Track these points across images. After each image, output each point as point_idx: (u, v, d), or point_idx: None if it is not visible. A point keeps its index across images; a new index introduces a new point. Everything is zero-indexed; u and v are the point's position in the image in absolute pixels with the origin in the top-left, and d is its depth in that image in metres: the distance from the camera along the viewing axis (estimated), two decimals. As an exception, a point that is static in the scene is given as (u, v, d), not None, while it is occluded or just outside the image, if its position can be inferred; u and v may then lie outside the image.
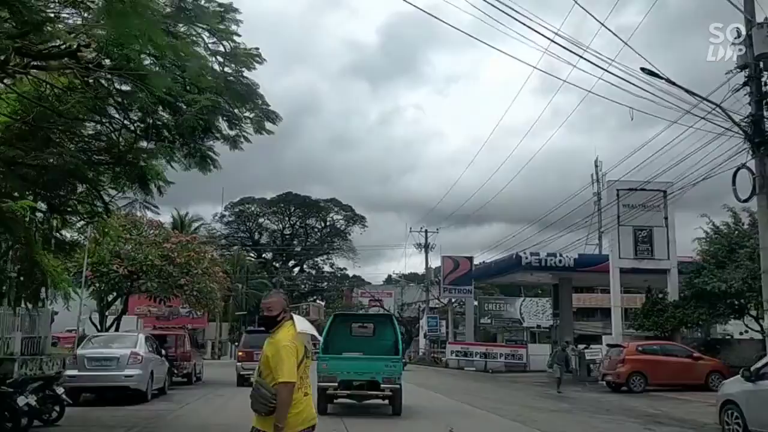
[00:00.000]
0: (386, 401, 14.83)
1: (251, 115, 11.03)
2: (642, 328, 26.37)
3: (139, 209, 11.40)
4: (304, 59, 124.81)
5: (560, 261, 31.57)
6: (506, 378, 35.16)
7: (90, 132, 12.01)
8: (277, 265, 78.70)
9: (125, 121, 10.97)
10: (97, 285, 23.06)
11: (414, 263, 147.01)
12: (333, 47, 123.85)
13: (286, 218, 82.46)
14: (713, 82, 17.17)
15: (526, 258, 31.41)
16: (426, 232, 47.12)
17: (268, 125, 11.36)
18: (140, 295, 29.01)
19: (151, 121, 10.83)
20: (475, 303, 45.77)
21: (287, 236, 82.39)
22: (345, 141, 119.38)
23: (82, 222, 14.53)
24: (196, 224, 54.87)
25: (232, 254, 66.05)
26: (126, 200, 15.38)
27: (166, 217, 55.98)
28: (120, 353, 16.38)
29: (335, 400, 15.09)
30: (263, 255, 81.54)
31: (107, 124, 11.49)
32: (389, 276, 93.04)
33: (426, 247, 46.84)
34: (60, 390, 12.22)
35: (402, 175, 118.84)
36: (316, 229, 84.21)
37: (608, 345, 25.14)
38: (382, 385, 14.22)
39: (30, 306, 22.12)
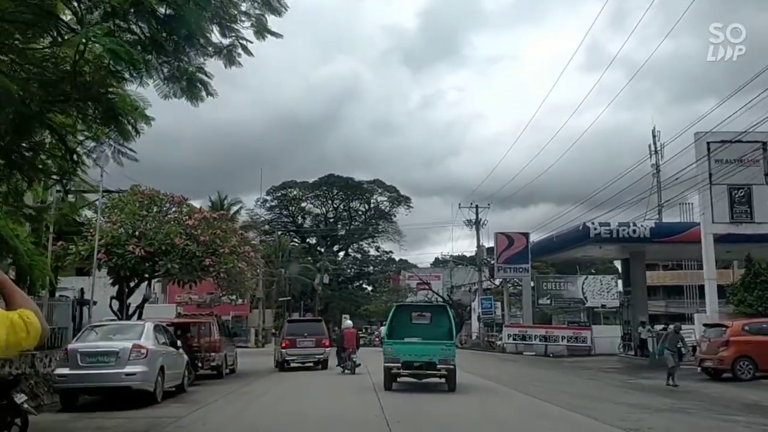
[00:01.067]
0: (442, 380, 16.64)
1: (246, 7, 7.62)
2: (742, 304, 22.37)
3: (112, 157, 8.82)
4: (345, 46, 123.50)
5: (634, 231, 27.64)
6: (572, 363, 31.44)
7: (45, 51, 8.80)
8: (322, 249, 75.86)
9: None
10: (112, 266, 20.12)
11: (462, 246, 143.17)
12: (373, 33, 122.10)
13: (329, 201, 79.53)
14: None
15: (595, 229, 27.57)
16: (477, 207, 43.46)
17: (274, 22, 7.97)
18: (180, 282, 26.16)
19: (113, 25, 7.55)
20: (532, 283, 41.92)
21: (331, 220, 79.43)
22: (387, 126, 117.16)
23: (51, 181, 11.39)
24: (235, 207, 52.26)
25: (275, 239, 63.48)
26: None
27: (202, 202, 53.68)
28: (120, 347, 13.28)
29: (398, 379, 16.97)
30: (307, 240, 78.94)
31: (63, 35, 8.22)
32: (436, 258, 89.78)
33: (477, 224, 43.18)
34: (20, 398, 9.18)
35: (444, 158, 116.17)
36: (360, 212, 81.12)
37: (705, 325, 21.17)
38: (438, 365, 16.14)
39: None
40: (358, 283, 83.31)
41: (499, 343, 41.69)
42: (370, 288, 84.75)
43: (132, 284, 23.14)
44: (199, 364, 18.52)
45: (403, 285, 66.06)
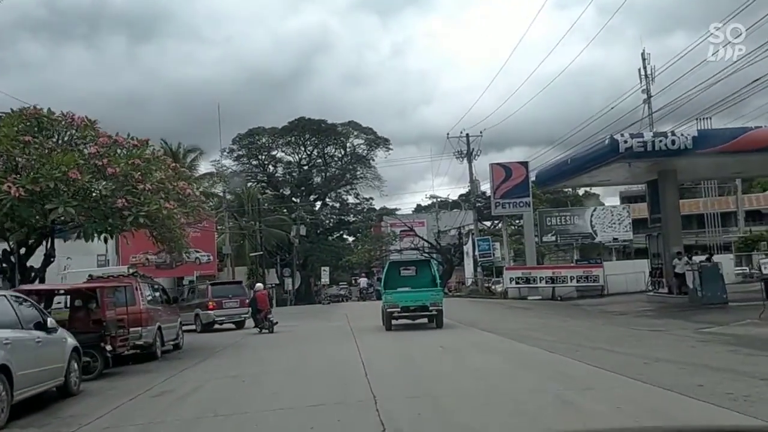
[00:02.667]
0: (432, 321, 20.15)
1: None
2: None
3: None
4: None
5: (673, 142, 21.83)
6: (594, 308, 26.11)
7: None
8: (297, 200, 69.56)
9: None
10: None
11: (446, 190, 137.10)
12: None
13: (302, 148, 72.84)
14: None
15: (625, 142, 21.75)
16: (468, 136, 37.47)
17: None
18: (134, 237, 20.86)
19: None
20: (535, 218, 36.40)
21: (305, 167, 72.98)
22: (359, 77, 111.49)
23: None
24: (193, 155, 45.75)
25: (243, 191, 57.14)
26: None
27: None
28: None
29: (396, 321, 20.29)
30: (281, 190, 72.56)
31: None
32: (418, 205, 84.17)
33: (469, 155, 37.24)
34: None
35: (418, 107, 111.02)
36: (335, 158, 74.59)
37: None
38: (429, 307, 19.88)
39: None
40: (338, 234, 77.49)
41: (499, 288, 36.37)
42: (351, 239, 79.04)
43: (31, 241, 16.99)
44: (108, 347, 12.57)
45: (387, 232, 60.24)
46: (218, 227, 43.65)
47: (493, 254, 35.91)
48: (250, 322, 24.14)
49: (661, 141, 21.96)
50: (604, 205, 42.86)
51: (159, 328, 15.89)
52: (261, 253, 46.28)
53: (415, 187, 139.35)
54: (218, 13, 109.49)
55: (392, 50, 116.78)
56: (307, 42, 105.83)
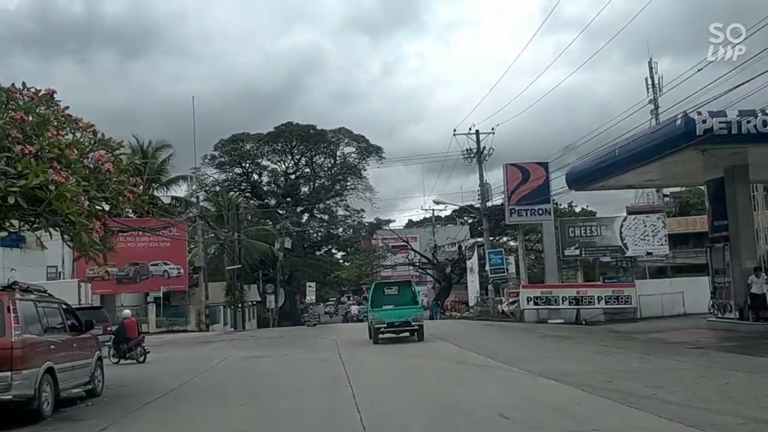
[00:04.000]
0: (414, 334, 21.89)
1: None
2: None
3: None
4: (304, 16, 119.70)
5: (765, 123, 16.61)
6: (639, 335, 20.71)
7: None
8: (281, 212, 63.72)
9: None
10: None
11: (446, 197, 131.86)
12: (332, 2, 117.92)
13: (289, 156, 67.25)
14: None
15: (704, 122, 16.44)
16: (477, 134, 32.07)
17: None
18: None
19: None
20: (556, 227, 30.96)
21: (291, 177, 67.35)
22: (349, 96, 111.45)
23: None
24: (164, 155, 40.01)
25: (222, 198, 51.33)
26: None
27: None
28: None
29: (382, 336, 21.56)
30: (265, 200, 66.76)
31: None
32: (410, 221, 78.93)
33: (479, 155, 31.76)
34: None
35: (406, 126, 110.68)
36: (324, 168, 69.07)
37: None
38: (412, 323, 21.78)
39: None
40: (326, 248, 71.72)
41: (512, 309, 30.84)
42: (340, 254, 73.26)
43: None
44: None
45: (379, 246, 54.74)
46: (192, 237, 37.95)
47: (507, 269, 30.36)
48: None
49: (749, 122, 16.64)
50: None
51: (50, 370, 10.19)
52: (239, 266, 40.47)
53: (404, 204, 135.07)
54: (209, 30, 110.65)
55: (382, 70, 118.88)
56: (298, 60, 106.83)
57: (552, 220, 30.13)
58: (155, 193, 39.07)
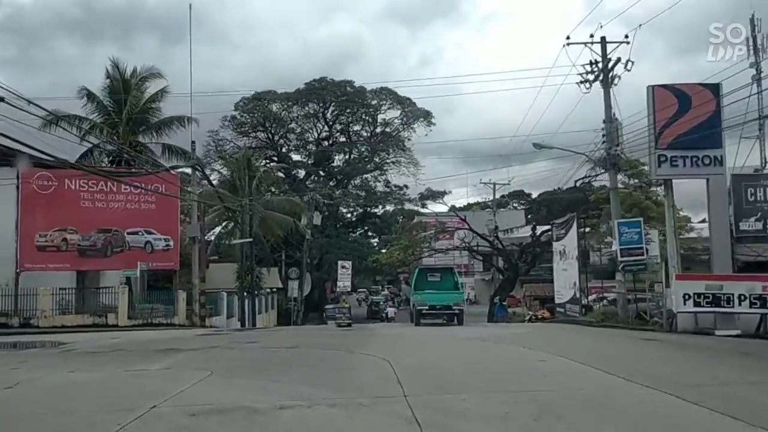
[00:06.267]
0: (454, 319, 23.49)
1: None
2: None
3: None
4: (343, 5, 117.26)
5: None
6: None
7: None
8: (311, 185, 53.13)
9: None
10: None
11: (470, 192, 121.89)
12: None
13: (321, 121, 56.85)
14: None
15: None
16: (604, 42, 20.47)
17: None
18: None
19: None
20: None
21: (324, 143, 56.89)
22: (386, 85, 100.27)
23: None
24: (151, 85, 29.39)
25: (238, 157, 40.90)
26: None
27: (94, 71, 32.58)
28: None
29: (423, 320, 23.35)
30: (293, 172, 56.43)
31: None
32: (452, 206, 68.05)
33: (606, 72, 20.11)
34: None
35: (442, 117, 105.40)
36: (362, 136, 58.50)
37: None
38: (453, 307, 23.57)
39: None
40: (361, 230, 61.12)
41: (656, 313, 19.81)
42: (375, 239, 62.57)
43: None
44: None
45: (425, 225, 43.62)
46: (186, 194, 27.53)
47: (647, 251, 19.22)
48: None
49: None
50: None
51: None
52: (250, 239, 29.92)
53: (446, 186, 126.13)
54: (248, 20, 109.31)
55: (420, 60, 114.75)
56: (336, 50, 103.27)
57: (725, 174, 18.95)
58: (140, 138, 28.81)
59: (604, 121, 20.01)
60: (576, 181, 30.97)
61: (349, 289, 23.60)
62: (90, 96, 28.44)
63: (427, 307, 23.94)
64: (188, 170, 27.86)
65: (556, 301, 30.20)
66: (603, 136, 20.03)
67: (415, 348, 13.84)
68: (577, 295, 26.67)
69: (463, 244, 40.90)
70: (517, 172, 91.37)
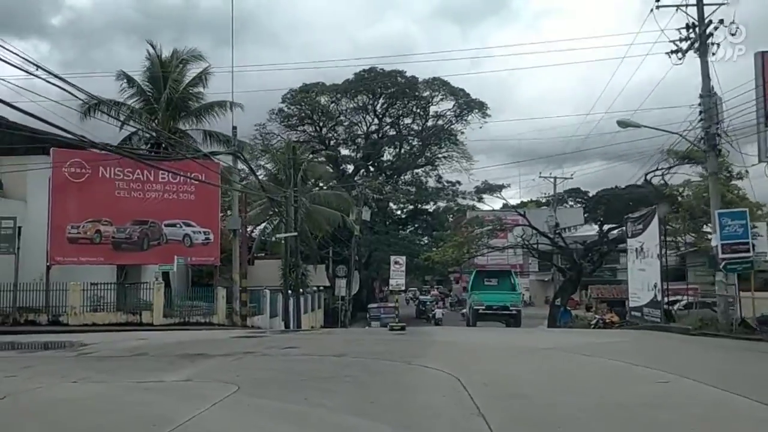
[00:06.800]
0: (512, 320, 23.94)
1: None
2: None
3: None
4: (394, 5, 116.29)
5: None
6: None
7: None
8: (359, 179, 50.97)
9: None
10: None
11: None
12: None
13: (371, 114, 54.73)
14: None
15: None
16: (700, 3, 17.68)
17: None
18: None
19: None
20: None
21: (373, 136, 54.71)
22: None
23: None
24: (195, 68, 27.61)
25: (283, 148, 39.09)
26: None
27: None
28: None
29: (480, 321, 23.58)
30: (341, 167, 54.47)
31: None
32: (504, 205, 64.98)
33: (703, 37, 17.08)
34: None
35: (493, 115, 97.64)
36: (413, 130, 56.13)
37: None
38: (510, 307, 23.78)
39: None
40: (411, 228, 58.75)
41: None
42: (425, 239, 59.96)
43: None
44: None
45: (484, 219, 40.95)
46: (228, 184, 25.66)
47: (753, 247, 16.23)
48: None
49: None
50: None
51: None
52: (295, 233, 27.89)
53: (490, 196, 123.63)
54: (298, 21, 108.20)
55: (471, 59, 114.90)
56: (386, 50, 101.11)
57: None
58: (180, 125, 27.10)
59: (701, 96, 17.10)
60: (646, 174, 28.30)
61: (403, 288, 21.11)
62: (129, 80, 26.87)
63: (483, 307, 24.55)
64: (229, 161, 25.96)
65: (631, 304, 27.18)
66: (699, 113, 17.11)
67: (486, 360, 11.38)
68: (658, 299, 23.66)
69: (522, 242, 38.09)
70: (569, 171, 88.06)
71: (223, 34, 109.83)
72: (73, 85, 14.60)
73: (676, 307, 28.07)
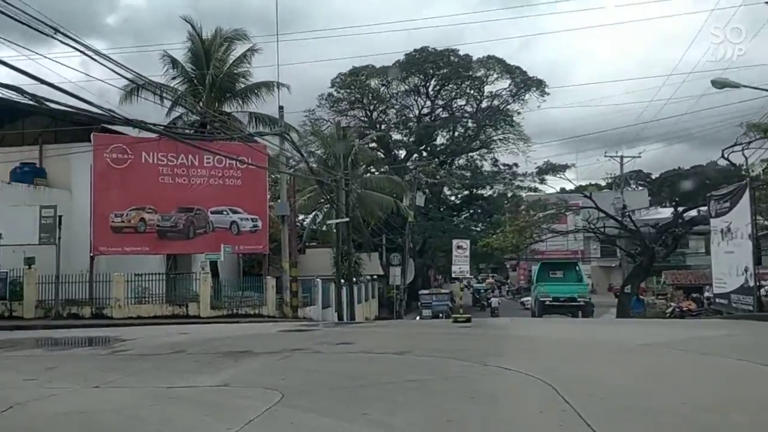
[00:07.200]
0: (579, 312, 23.47)
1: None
2: None
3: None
4: None
5: None
6: None
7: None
8: (411, 165, 49.09)
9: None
10: None
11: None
12: None
13: (422, 97, 52.74)
14: None
15: None
16: None
17: None
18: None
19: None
20: None
21: (426, 119, 52.74)
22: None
23: None
24: (240, 46, 26.20)
25: (331, 132, 37.63)
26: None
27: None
28: None
29: (546, 313, 23.14)
30: (393, 152, 52.75)
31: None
32: (562, 189, 62.15)
33: None
34: None
35: (535, 107, 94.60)
36: (467, 112, 53.93)
37: None
38: (578, 298, 23.60)
39: None
40: (466, 213, 56.63)
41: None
42: (481, 225, 57.77)
43: None
44: None
45: (548, 201, 38.62)
46: (275, 168, 24.31)
47: None
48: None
49: None
50: None
51: None
52: (347, 219, 26.37)
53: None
54: (347, 9, 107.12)
55: (521, 44, 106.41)
56: (437, 36, 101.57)
57: None
58: (225, 107, 25.84)
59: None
60: (723, 150, 25.93)
61: (468, 275, 19.17)
62: (173, 62, 25.76)
63: (550, 299, 24.69)
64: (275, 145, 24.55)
65: (715, 290, 24.67)
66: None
67: (577, 360, 9.54)
68: (750, 284, 21.17)
69: (588, 226, 35.64)
70: (629, 154, 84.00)
71: (272, 29, 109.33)
72: (119, 64, 13.34)
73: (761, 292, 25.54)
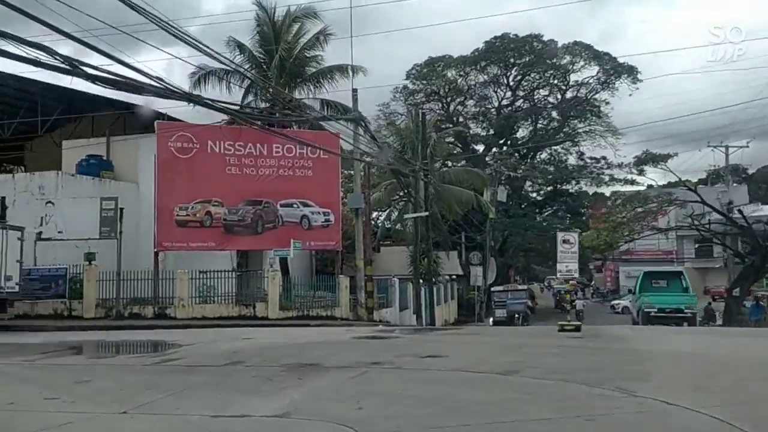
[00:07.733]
0: (685, 323, 22.11)
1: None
2: None
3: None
4: None
5: None
6: None
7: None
8: (489, 160, 46.25)
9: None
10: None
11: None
12: None
13: (503, 87, 49.82)
14: None
15: None
16: None
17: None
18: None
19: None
20: None
21: (506, 110, 49.76)
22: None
23: None
24: (311, 26, 24.36)
25: (407, 123, 35.43)
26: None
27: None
28: None
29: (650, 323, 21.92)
30: (471, 146, 50.06)
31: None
32: (649, 185, 57.61)
33: None
34: None
35: (623, 97, 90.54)
36: (550, 103, 50.63)
37: None
38: (685, 310, 22.77)
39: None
40: (550, 210, 53.27)
41: None
42: (566, 221, 54.27)
43: None
44: None
45: (646, 201, 35.14)
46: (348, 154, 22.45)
47: None
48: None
49: None
50: None
51: None
52: (426, 213, 24.17)
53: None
54: (418, 8, 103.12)
55: (600, 38, 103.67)
56: (512, 32, 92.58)
57: None
58: (296, 94, 24.11)
59: None
60: None
61: (576, 275, 16.23)
62: (240, 47, 24.30)
63: (655, 310, 23.55)
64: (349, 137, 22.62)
65: None
66: None
67: (757, 385, 7.01)
68: None
69: (692, 223, 32.10)
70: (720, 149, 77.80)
71: (346, 27, 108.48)
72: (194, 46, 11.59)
73: None
